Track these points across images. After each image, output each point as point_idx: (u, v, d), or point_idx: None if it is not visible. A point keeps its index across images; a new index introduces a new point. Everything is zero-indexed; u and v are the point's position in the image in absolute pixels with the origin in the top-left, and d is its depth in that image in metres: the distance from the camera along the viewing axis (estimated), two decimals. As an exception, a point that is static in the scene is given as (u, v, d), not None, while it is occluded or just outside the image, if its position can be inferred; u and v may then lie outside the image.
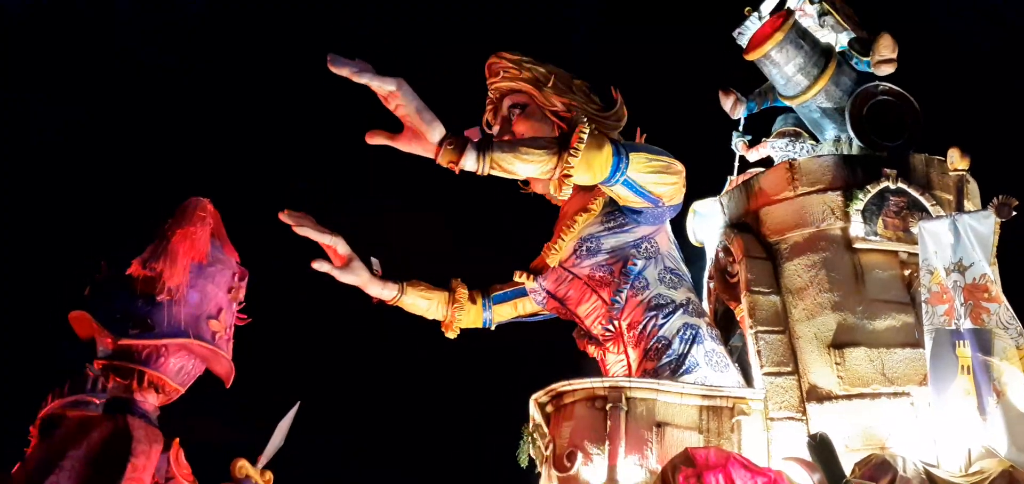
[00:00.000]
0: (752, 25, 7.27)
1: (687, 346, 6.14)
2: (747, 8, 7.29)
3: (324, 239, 6.40)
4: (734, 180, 7.34)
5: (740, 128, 7.67)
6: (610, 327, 6.43)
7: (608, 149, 5.86)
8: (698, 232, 7.51)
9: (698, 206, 7.49)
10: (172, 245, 5.26)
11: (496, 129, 6.85)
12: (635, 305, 6.34)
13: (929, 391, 5.48)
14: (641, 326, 6.28)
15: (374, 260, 6.78)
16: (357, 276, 6.64)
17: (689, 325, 6.24)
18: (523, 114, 6.69)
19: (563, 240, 6.65)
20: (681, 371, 6.01)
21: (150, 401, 5.09)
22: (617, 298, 6.39)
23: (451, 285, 7.11)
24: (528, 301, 7.06)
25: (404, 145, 5.54)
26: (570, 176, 5.74)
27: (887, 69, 6.91)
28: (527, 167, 5.79)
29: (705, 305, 7.02)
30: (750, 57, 7.10)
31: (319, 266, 6.42)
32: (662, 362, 6.07)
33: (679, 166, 6.30)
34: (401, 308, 6.97)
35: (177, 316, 5.12)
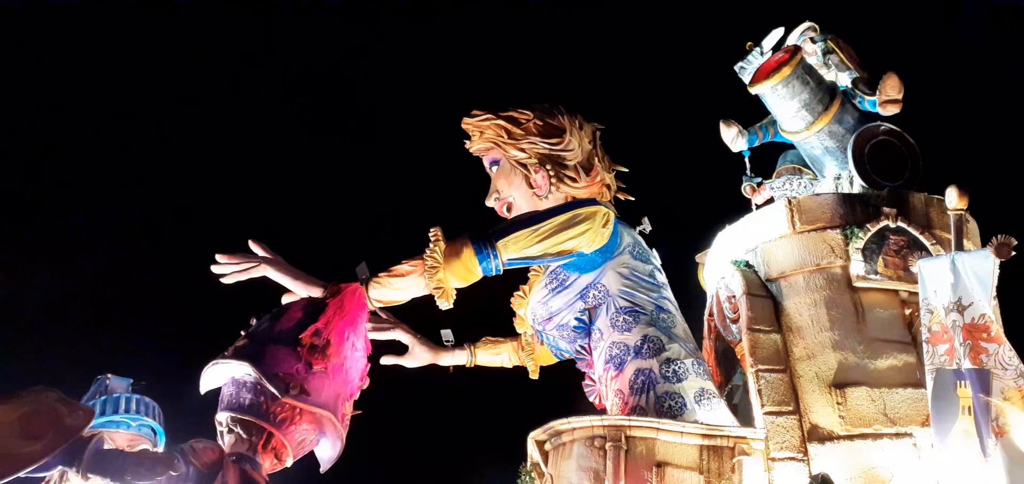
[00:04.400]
0: (755, 59, 7.31)
1: (639, 396, 5.99)
2: (749, 43, 7.33)
3: (385, 336, 6.61)
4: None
5: (748, 171, 7.67)
6: (590, 381, 6.48)
7: (468, 252, 5.92)
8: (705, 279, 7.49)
9: (703, 259, 7.47)
10: (340, 323, 5.37)
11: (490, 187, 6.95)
12: (598, 358, 6.36)
13: (931, 431, 5.42)
14: (604, 380, 6.29)
15: (445, 332, 6.98)
16: (424, 358, 6.89)
17: (640, 371, 6.06)
18: (499, 170, 6.82)
19: (522, 313, 6.92)
20: None
21: (265, 465, 5.05)
22: (581, 355, 6.47)
23: (520, 330, 7.22)
24: None
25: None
26: (442, 289, 5.87)
27: (893, 109, 6.96)
28: (404, 293, 5.96)
29: (705, 340, 7.00)
30: (755, 89, 7.14)
31: (388, 361, 6.65)
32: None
33: (587, 212, 6.27)
34: (479, 368, 7.19)
35: (327, 390, 5.18)
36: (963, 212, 5.93)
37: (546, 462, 5.89)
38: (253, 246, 5.77)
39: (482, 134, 6.77)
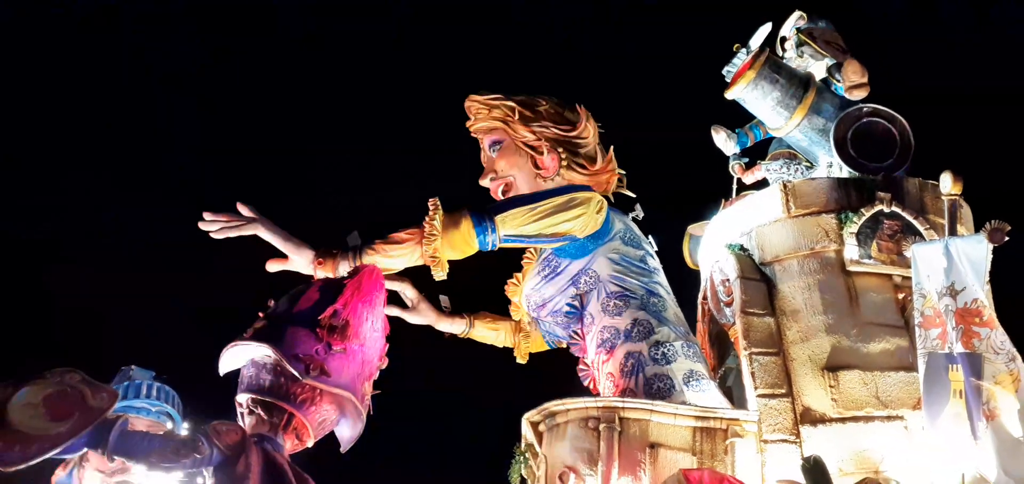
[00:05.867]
0: (740, 61, 7.35)
1: (628, 378, 6.07)
2: (736, 45, 7.35)
3: (393, 286, 6.58)
4: (727, 203, 7.37)
5: (737, 151, 7.72)
6: (584, 366, 6.55)
7: (466, 223, 5.99)
8: (695, 256, 7.53)
9: (693, 230, 7.52)
10: (358, 304, 5.39)
11: (485, 167, 6.97)
12: (590, 342, 6.44)
13: (923, 415, 5.47)
14: (596, 364, 6.36)
15: (443, 298, 7.04)
16: (425, 316, 6.92)
17: (630, 354, 6.14)
18: (500, 150, 6.85)
19: (517, 301, 7.00)
20: None
21: (287, 446, 5.06)
22: (574, 340, 6.55)
23: (515, 318, 7.28)
24: None
25: (293, 266, 5.88)
26: (437, 259, 5.90)
27: (860, 93, 7.01)
28: (398, 261, 5.98)
29: (698, 323, 7.05)
30: (729, 96, 7.26)
31: (390, 311, 6.57)
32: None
33: (582, 197, 6.39)
34: (472, 339, 7.22)
35: (347, 371, 5.17)
36: (957, 197, 5.96)
37: (541, 443, 5.93)
38: (241, 208, 5.76)
39: (490, 112, 6.82)
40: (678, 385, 6.01)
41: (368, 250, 5.93)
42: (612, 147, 6.95)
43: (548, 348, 7.27)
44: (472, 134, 7.03)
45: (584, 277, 6.45)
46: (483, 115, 6.86)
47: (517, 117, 6.75)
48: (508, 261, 6.99)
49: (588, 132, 6.85)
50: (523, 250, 6.94)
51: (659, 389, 5.97)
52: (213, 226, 5.69)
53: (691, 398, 5.95)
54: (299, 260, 5.83)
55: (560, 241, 6.37)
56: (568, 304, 6.51)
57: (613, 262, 6.45)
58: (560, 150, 6.71)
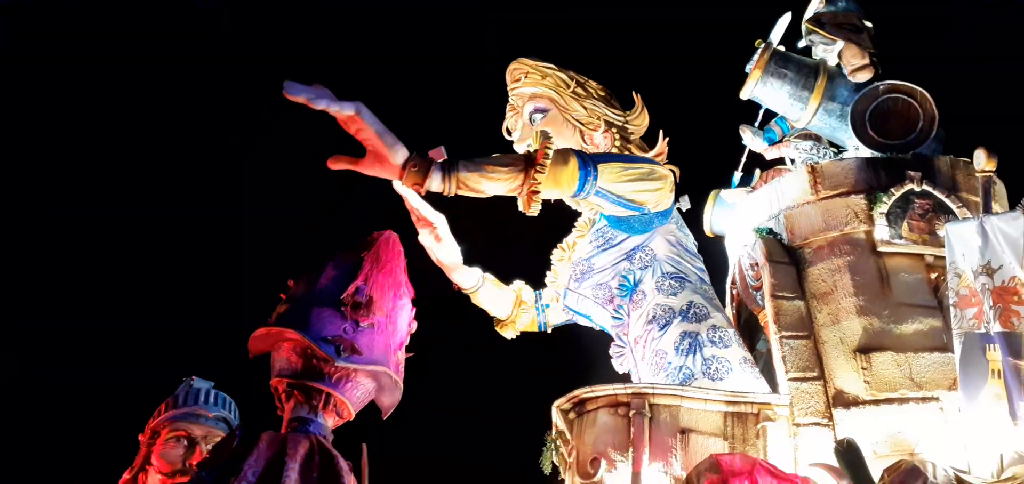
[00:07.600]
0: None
1: (684, 357, 6.01)
2: (757, 41, 7.24)
3: (429, 215, 6.23)
4: (763, 176, 7.27)
5: (757, 123, 7.60)
6: (620, 343, 6.52)
7: (574, 162, 5.87)
8: (717, 223, 7.43)
9: (726, 195, 7.39)
10: (380, 275, 5.30)
11: (516, 135, 6.93)
12: (636, 319, 6.37)
13: (959, 396, 5.40)
14: (642, 341, 6.29)
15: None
16: (449, 256, 6.58)
17: (686, 334, 6.10)
18: (545, 120, 6.80)
19: (559, 267, 6.89)
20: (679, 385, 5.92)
21: (328, 425, 5.07)
22: (618, 315, 6.47)
23: (516, 286, 7.25)
24: None
25: (367, 169, 5.48)
26: (538, 192, 5.70)
27: (863, 75, 6.91)
28: (494, 185, 5.70)
29: (727, 308, 7.00)
30: (743, 97, 7.21)
31: (424, 239, 6.35)
32: (660, 377, 6.03)
33: (663, 172, 6.35)
34: (470, 298, 7.03)
35: (378, 345, 5.09)
36: (991, 174, 5.87)
37: (571, 430, 5.92)
38: (317, 89, 5.20)
39: (542, 79, 6.79)
40: (736, 368, 6.02)
41: (467, 167, 5.56)
42: (667, 139, 6.92)
43: (538, 330, 7.22)
44: (512, 97, 6.95)
45: (640, 253, 6.42)
46: (533, 79, 6.81)
47: (571, 90, 6.75)
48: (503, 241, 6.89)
49: (641, 121, 6.89)
50: (572, 214, 6.87)
51: (717, 370, 5.96)
52: (301, 94, 5.08)
53: (748, 382, 5.96)
54: (388, 160, 5.38)
55: (633, 210, 6.28)
56: (622, 277, 6.43)
57: (670, 244, 6.44)
58: (614, 131, 6.76)
